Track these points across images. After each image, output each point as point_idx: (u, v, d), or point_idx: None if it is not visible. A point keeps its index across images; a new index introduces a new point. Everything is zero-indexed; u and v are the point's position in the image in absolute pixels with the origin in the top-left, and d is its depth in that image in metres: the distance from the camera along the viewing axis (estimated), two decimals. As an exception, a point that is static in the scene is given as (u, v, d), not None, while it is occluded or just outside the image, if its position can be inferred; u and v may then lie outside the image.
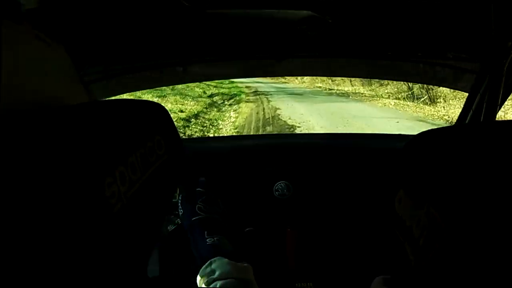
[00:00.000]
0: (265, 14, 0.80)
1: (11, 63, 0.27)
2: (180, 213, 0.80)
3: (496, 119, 0.95)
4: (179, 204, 0.81)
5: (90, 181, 0.25)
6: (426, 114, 7.55)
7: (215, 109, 8.57)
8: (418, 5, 0.78)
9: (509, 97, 1.00)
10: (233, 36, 0.94)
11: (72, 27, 0.71)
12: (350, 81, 12.74)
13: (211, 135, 6.36)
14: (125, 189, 0.29)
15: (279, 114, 7.42)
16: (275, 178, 1.12)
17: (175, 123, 0.44)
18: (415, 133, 0.34)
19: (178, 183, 0.74)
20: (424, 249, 0.26)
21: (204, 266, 0.66)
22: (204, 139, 1.78)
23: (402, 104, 8.83)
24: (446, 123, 6.63)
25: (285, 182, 1.11)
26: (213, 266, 0.65)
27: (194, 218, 0.75)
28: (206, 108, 8.39)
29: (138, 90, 1.23)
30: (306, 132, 5.69)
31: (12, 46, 0.28)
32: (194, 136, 6.23)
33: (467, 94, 1.04)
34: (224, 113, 8.29)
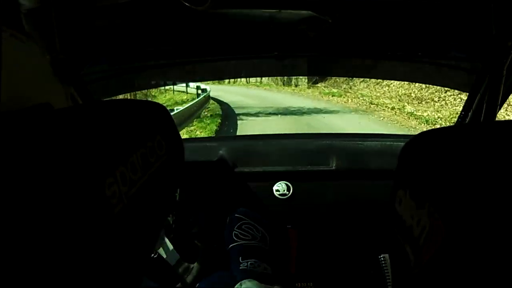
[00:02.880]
0: (266, 14, 0.80)
1: None
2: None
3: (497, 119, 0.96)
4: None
5: (91, 181, 0.25)
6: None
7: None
8: (418, 5, 0.78)
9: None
10: (233, 36, 0.94)
11: (72, 27, 0.71)
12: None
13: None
14: (125, 189, 0.29)
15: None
16: (275, 178, 1.12)
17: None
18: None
19: (178, 183, 0.75)
20: (423, 248, 0.26)
21: (235, 287, 0.72)
22: (204, 139, 1.78)
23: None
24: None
25: (285, 182, 1.11)
26: (242, 286, 0.71)
27: (231, 245, 0.84)
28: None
29: (138, 90, 1.24)
30: (306, 132, 5.70)
31: None
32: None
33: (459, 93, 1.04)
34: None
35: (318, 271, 1.12)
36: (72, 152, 0.25)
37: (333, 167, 1.13)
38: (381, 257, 1.02)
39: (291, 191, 1.11)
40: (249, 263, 0.76)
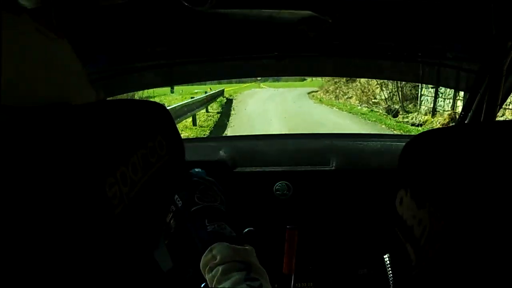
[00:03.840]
0: (265, 14, 0.80)
1: (11, 57, 0.26)
2: (179, 204, 0.81)
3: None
4: (176, 195, 0.81)
5: (92, 182, 0.25)
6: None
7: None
8: (418, 5, 0.78)
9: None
10: (234, 36, 0.94)
11: (72, 27, 0.71)
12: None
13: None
14: (126, 190, 0.29)
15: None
16: (275, 178, 1.12)
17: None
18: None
19: (179, 183, 0.75)
20: (425, 248, 0.26)
21: (205, 254, 0.66)
22: (204, 139, 1.78)
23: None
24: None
25: (285, 182, 1.11)
26: (213, 252, 0.65)
27: (193, 209, 0.77)
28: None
29: (138, 90, 1.24)
30: (306, 132, 5.68)
31: (11, 39, 0.27)
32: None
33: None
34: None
35: (318, 271, 1.12)
36: (73, 152, 0.25)
37: (333, 167, 1.13)
38: (386, 257, 1.01)
39: (291, 191, 1.11)
40: (216, 225, 0.72)
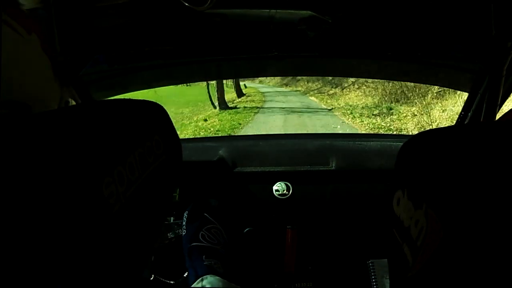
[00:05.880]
0: (265, 14, 0.80)
1: None
2: (183, 233, 0.83)
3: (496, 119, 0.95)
4: (184, 223, 0.84)
5: (89, 181, 0.25)
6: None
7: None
8: (418, 5, 0.78)
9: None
10: (233, 36, 0.94)
11: (72, 27, 0.71)
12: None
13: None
14: (123, 189, 0.29)
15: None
16: (275, 178, 1.12)
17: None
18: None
19: (176, 183, 0.75)
20: (421, 250, 0.26)
21: (196, 282, 0.68)
22: (203, 139, 1.78)
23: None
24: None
25: (284, 182, 1.11)
26: (204, 282, 0.67)
27: (194, 244, 0.79)
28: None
29: (138, 90, 1.23)
30: (306, 132, 5.68)
31: None
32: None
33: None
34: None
35: (318, 271, 1.12)
36: (70, 152, 0.25)
37: (333, 167, 1.13)
38: (369, 262, 1.02)
39: (290, 191, 1.11)
40: (212, 262, 0.75)
